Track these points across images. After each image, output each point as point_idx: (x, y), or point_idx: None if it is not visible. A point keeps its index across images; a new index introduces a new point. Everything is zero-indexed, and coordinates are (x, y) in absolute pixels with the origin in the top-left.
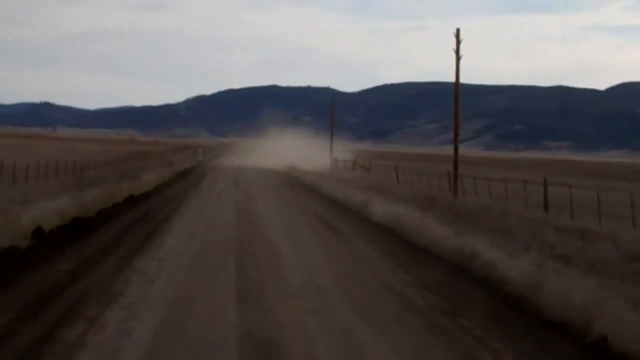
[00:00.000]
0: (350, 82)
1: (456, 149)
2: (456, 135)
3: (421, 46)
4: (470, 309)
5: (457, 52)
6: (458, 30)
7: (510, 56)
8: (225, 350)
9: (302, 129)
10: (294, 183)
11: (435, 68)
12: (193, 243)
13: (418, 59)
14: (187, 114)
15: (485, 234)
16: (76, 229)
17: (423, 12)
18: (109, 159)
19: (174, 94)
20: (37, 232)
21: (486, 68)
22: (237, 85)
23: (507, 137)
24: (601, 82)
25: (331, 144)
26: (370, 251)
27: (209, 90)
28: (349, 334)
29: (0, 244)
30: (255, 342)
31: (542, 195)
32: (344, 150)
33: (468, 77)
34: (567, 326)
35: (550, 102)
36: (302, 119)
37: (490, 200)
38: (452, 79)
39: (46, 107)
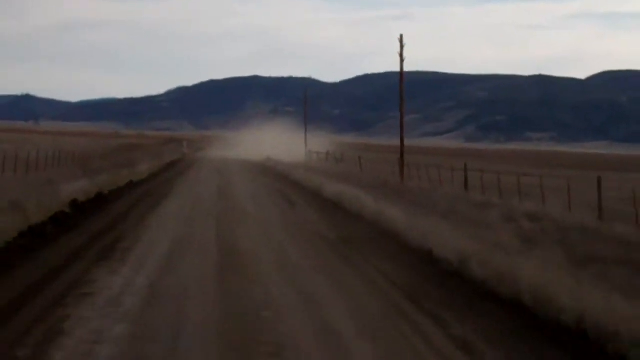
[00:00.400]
0: (331, 73)
1: (402, 140)
2: (401, 127)
3: (406, 35)
4: (356, 238)
5: (401, 55)
6: (402, 37)
7: (493, 45)
8: (209, 247)
9: (284, 120)
10: (267, 171)
11: (418, 57)
12: (187, 209)
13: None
14: (169, 105)
15: (403, 204)
16: (100, 201)
17: (406, 1)
18: (104, 151)
19: (156, 85)
20: (74, 203)
21: (468, 57)
22: (218, 76)
23: (488, 128)
24: (582, 71)
25: (305, 137)
26: (311, 212)
27: (191, 81)
28: (281, 245)
29: (52, 210)
30: (225, 246)
31: (477, 180)
32: (327, 142)
33: (450, 67)
34: (419, 249)
35: (531, 91)
36: (284, 110)
37: (427, 184)
38: (437, 69)
39: (27, 99)
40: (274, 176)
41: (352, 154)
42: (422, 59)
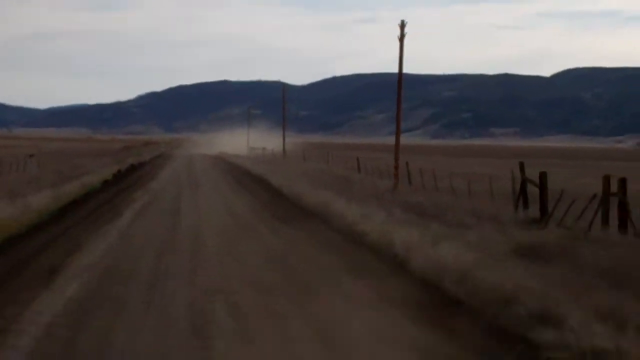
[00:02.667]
0: (300, 76)
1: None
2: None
3: (372, 38)
4: (242, 175)
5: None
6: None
7: (459, 45)
8: (185, 173)
9: (254, 123)
10: (216, 158)
11: (384, 59)
12: (175, 168)
13: (369, 51)
14: (139, 110)
15: (273, 168)
16: (135, 167)
17: (374, 4)
18: (113, 149)
19: (125, 91)
20: (116, 174)
21: (434, 58)
22: (188, 81)
23: (454, 125)
24: (546, 69)
25: (248, 135)
26: (227, 168)
27: (160, 86)
28: (210, 173)
29: (105, 177)
30: (190, 172)
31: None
32: (283, 141)
33: (416, 67)
34: (267, 183)
35: (496, 90)
36: (253, 113)
37: (351, 171)
38: (405, 70)
39: None
40: (218, 159)
41: (297, 149)
42: (388, 60)
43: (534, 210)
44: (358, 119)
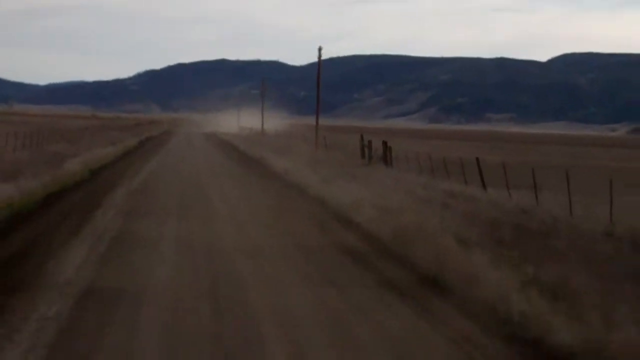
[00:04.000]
0: (299, 56)
1: (317, 120)
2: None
3: (371, 18)
4: (227, 148)
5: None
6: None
7: (458, 28)
8: (186, 142)
9: (252, 103)
10: (210, 135)
11: (383, 40)
12: (178, 140)
13: (367, 31)
14: (138, 88)
15: (256, 145)
16: (152, 138)
17: None
18: (126, 125)
19: (124, 69)
20: (142, 140)
21: (433, 40)
22: (186, 59)
23: (450, 109)
24: (543, 54)
25: (238, 117)
26: (217, 142)
27: (159, 64)
28: (205, 144)
29: (136, 142)
30: (189, 143)
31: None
32: (277, 122)
33: (414, 50)
34: (245, 153)
35: (493, 74)
36: (251, 93)
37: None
38: (402, 52)
39: None
40: (211, 136)
41: (288, 130)
42: (387, 42)
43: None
44: (355, 102)
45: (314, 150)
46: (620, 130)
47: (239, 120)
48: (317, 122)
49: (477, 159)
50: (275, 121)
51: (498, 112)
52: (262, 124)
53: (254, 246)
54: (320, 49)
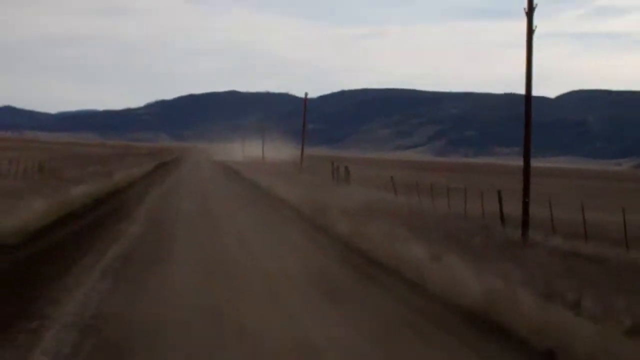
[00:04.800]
0: (308, 88)
1: (302, 152)
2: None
3: (382, 52)
4: (229, 172)
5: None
6: (306, 94)
7: (466, 63)
8: (195, 167)
9: (259, 135)
10: (217, 162)
11: (393, 74)
12: (188, 165)
13: (377, 65)
14: (148, 118)
15: (263, 175)
16: (163, 164)
17: (384, 18)
18: (134, 154)
19: (135, 98)
20: (157, 165)
21: (442, 75)
22: (197, 90)
23: (458, 143)
24: (552, 90)
25: (243, 147)
26: (222, 168)
27: (170, 95)
28: (208, 170)
29: (153, 166)
30: (197, 167)
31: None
32: (284, 153)
33: (424, 84)
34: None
35: (502, 109)
36: (260, 125)
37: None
38: (410, 86)
39: (8, 110)
40: (216, 163)
41: (286, 158)
42: (397, 76)
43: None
44: (364, 134)
45: (298, 173)
46: (626, 165)
47: (244, 150)
48: (302, 153)
49: (417, 182)
50: (280, 151)
51: (506, 146)
52: (262, 153)
53: (225, 201)
54: (306, 95)
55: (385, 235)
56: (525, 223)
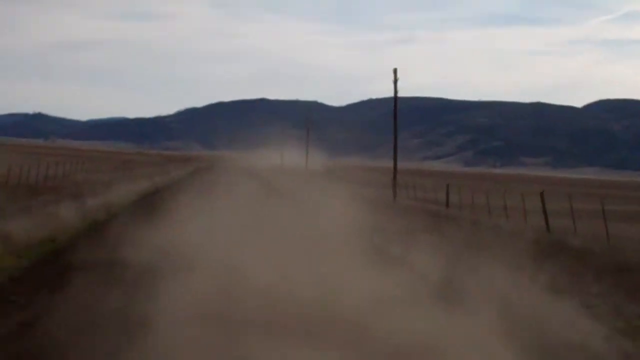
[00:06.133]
0: (337, 96)
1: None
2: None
3: (410, 59)
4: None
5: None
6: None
7: (495, 71)
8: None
9: (290, 142)
10: (245, 167)
11: (421, 82)
12: (219, 169)
13: (406, 72)
14: (179, 126)
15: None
16: (199, 169)
17: (412, 24)
18: (173, 161)
19: (165, 106)
20: (196, 168)
21: (470, 83)
22: (227, 98)
23: (486, 153)
24: (579, 99)
25: (282, 156)
26: (250, 173)
27: (200, 102)
28: (239, 174)
29: (193, 169)
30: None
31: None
32: (319, 162)
33: (451, 93)
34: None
35: (529, 119)
36: (290, 133)
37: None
38: (440, 95)
39: (39, 118)
40: (245, 167)
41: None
42: (426, 84)
43: None
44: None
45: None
46: None
47: (283, 159)
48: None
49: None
50: (316, 160)
51: (533, 157)
52: (282, 160)
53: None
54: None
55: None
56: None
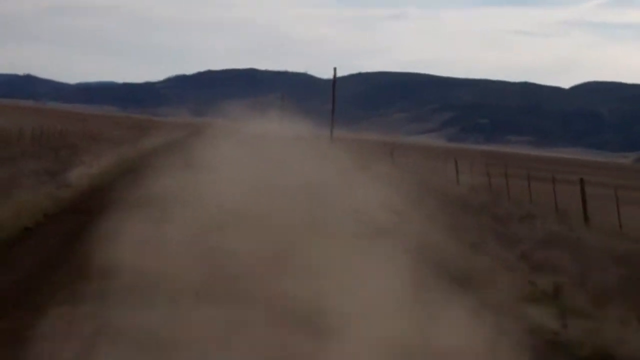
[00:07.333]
0: (326, 69)
1: None
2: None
3: (400, 35)
4: None
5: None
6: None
7: (483, 49)
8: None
9: (280, 114)
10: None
11: (410, 58)
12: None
13: (396, 48)
14: (168, 92)
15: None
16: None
17: (406, 1)
18: (169, 125)
19: (154, 72)
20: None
21: (458, 60)
22: (216, 66)
23: (471, 130)
24: (567, 80)
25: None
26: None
27: (189, 70)
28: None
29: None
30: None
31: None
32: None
33: (440, 69)
34: None
35: (515, 98)
36: (280, 103)
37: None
38: (427, 71)
39: (28, 79)
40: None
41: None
42: (414, 60)
43: None
44: (379, 117)
45: None
46: (630, 158)
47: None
48: None
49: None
50: (302, 130)
51: (517, 135)
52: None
53: None
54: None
55: None
56: None
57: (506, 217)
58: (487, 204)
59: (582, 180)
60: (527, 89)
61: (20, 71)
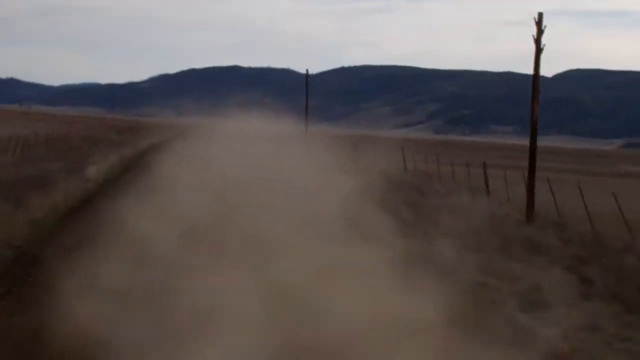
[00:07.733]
0: (309, 64)
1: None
2: None
3: (383, 28)
4: None
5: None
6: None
7: (467, 40)
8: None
9: (261, 111)
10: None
11: (394, 51)
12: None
13: (378, 41)
14: (152, 92)
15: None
16: (182, 132)
17: None
18: (156, 126)
19: (137, 72)
20: (178, 132)
21: (442, 52)
22: (199, 65)
23: (456, 121)
24: (550, 69)
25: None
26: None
27: (172, 69)
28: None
29: (177, 134)
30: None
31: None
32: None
33: (424, 62)
34: None
35: (499, 88)
36: (262, 101)
37: None
38: (411, 63)
39: (11, 83)
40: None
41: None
42: (397, 53)
43: None
44: (363, 111)
45: None
46: (615, 145)
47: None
48: None
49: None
50: (285, 127)
51: (502, 125)
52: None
53: None
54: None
55: None
56: None
57: (429, 193)
58: (419, 184)
59: (484, 164)
60: (511, 78)
61: (3, 74)
